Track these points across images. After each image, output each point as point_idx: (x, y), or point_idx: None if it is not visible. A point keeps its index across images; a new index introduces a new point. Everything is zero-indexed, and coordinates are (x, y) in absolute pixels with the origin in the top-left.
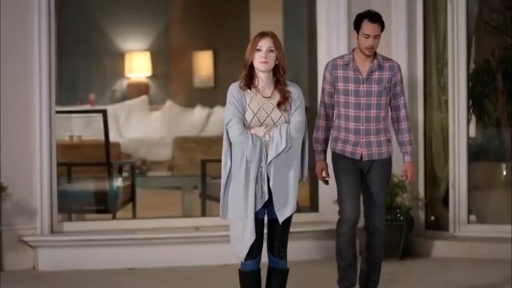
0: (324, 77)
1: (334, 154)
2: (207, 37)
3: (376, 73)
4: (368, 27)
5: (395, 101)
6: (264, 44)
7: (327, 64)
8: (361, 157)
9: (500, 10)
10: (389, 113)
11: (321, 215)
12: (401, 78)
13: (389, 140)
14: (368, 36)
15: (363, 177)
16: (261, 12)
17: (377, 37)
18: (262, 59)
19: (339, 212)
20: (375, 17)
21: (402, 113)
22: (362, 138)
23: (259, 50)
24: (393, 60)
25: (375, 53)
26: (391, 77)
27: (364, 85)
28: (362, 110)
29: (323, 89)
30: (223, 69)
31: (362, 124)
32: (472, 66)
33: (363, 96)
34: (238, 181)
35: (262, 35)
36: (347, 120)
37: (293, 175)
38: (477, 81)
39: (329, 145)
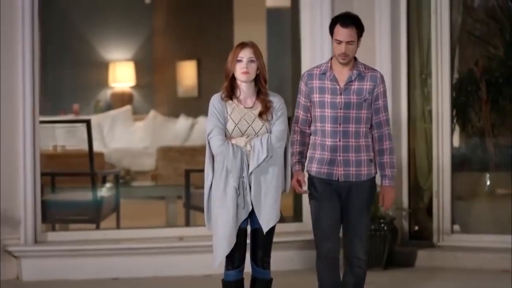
0: (299, 88)
1: (309, 177)
2: (191, 46)
3: (356, 82)
4: (339, 31)
5: (377, 117)
6: (245, 54)
7: (303, 74)
8: (338, 178)
9: (484, 20)
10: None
11: (305, 225)
12: (385, 91)
13: (371, 160)
14: (340, 42)
15: (341, 201)
16: (244, 21)
17: (351, 43)
18: (243, 69)
19: (315, 244)
20: (347, 21)
21: (385, 131)
22: (340, 155)
23: (240, 61)
24: (376, 69)
25: (356, 60)
26: (372, 88)
27: (342, 96)
28: (340, 124)
29: (298, 102)
30: (207, 79)
31: (340, 140)
32: (456, 75)
33: (340, 108)
34: (220, 192)
35: (243, 45)
36: (324, 136)
37: (275, 184)
38: (461, 91)
39: (306, 164)
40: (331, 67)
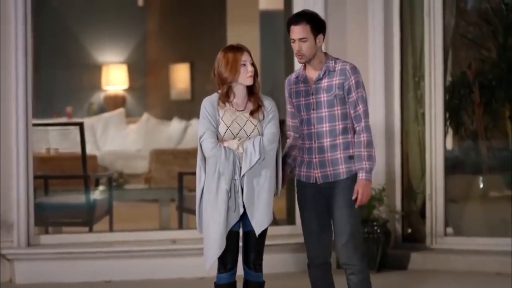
0: (285, 96)
1: (296, 181)
2: (184, 49)
3: (326, 79)
4: (292, 30)
5: (354, 110)
6: (247, 58)
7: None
8: (316, 180)
9: (477, 22)
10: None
11: (298, 227)
12: (357, 82)
13: (350, 157)
14: (294, 40)
15: (328, 203)
16: (237, 23)
17: (304, 40)
18: (250, 73)
19: (306, 250)
20: (297, 19)
21: (362, 124)
22: (315, 157)
23: (244, 65)
24: (347, 62)
25: (326, 55)
26: (342, 82)
27: (313, 96)
28: (313, 126)
29: (286, 109)
30: (200, 82)
31: (314, 142)
32: (449, 78)
33: (313, 109)
34: (212, 194)
35: (241, 49)
36: (303, 139)
37: (267, 187)
38: (454, 94)
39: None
40: (304, 68)
